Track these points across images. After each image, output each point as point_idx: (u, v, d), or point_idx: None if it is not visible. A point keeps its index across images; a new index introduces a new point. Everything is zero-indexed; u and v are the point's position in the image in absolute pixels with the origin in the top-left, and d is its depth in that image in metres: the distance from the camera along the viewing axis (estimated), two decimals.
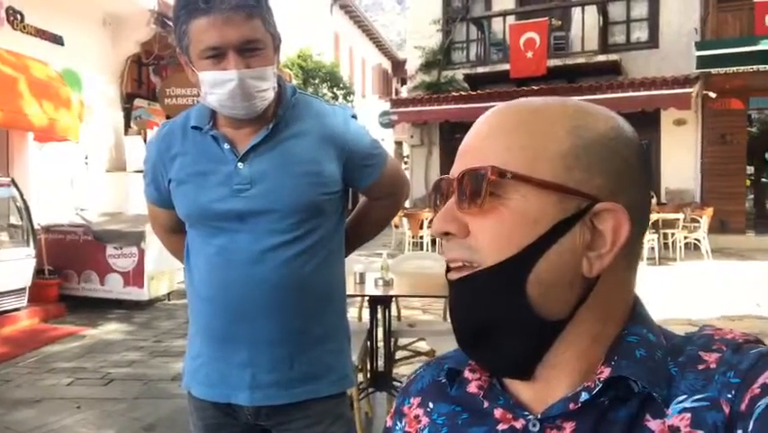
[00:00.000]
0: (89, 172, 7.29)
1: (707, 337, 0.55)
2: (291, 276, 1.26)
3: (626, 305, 0.57)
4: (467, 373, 0.62)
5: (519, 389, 0.58)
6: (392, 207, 1.53)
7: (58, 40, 6.92)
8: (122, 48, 7.90)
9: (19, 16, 6.44)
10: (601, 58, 11.59)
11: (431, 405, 0.64)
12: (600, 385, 0.51)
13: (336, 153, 1.31)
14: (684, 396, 0.50)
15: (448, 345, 2.90)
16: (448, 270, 0.58)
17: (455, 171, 0.57)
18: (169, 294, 6.62)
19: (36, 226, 5.76)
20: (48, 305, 5.77)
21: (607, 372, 0.52)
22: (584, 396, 0.52)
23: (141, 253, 6.11)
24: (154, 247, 6.25)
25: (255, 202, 1.25)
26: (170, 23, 8.07)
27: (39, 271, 5.72)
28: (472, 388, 0.61)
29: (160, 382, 3.99)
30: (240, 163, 1.26)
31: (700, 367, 0.51)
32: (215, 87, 1.20)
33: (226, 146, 1.27)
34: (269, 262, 1.25)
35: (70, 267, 6.19)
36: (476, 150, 0.56)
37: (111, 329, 5.46)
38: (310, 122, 1.31)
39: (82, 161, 7.21)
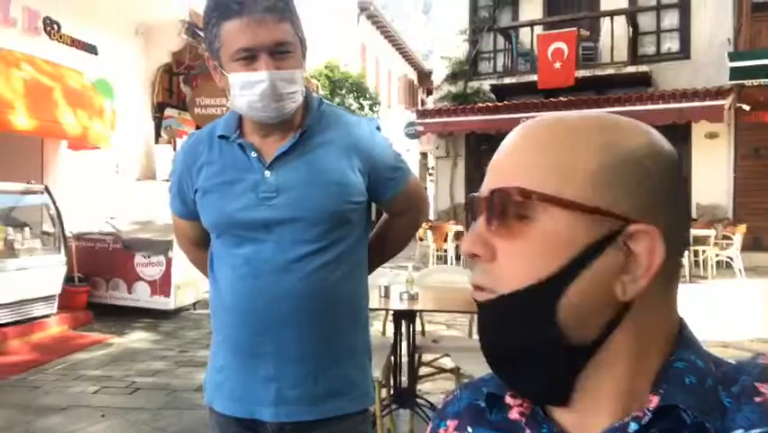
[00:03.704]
0: (120, 180, 7.41)
1: (762, 368, 0.52)
2: (317, 287, 1.26)
3: (669, 328, 0.54)
4: (508, 399, 0.60)
5: (562, 416, 0.55)
6: (412, 224, 1.53)
7: (92, 49, 7.07)
8: (153, 57, 8.04)
9: (56, 26, 6.60)
10: (631, 69, 11.41)
11: (469, 429, 0.62)
12: (650, 415, 0.48)
13: (361, 164, 1.31)
14: (741, 429, 0.47)
15: (473, 362, 2.83)
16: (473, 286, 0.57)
17: (485, 189, 0.55)
18: (194, 304, 6.68)
19: (67, 234, 5.87)
20: (77, 312, 5.86)
21: (656, 400, 0.49)
22: (633, 426, 0.49)
23: (169, 261, 6.18)
24: (181, 256, 6.28)
25: (281, 211, 1.25)
26: (201, 34, 8.18)
27: (68, 279, 5.81)
28: (514, 414, 0.59)
29: (184, 393, 4.00)
30: (267, 172, 1.27)
31: (757, 400, 0.49)
32: (246, 88, 1.21)
33: (253, 154, 1.28)
34: (295, 273, 1.25)
35: (99, 275, 6.29)
36: (504, 167, 0.55)
37: (137, 338, 5.52)
38: (336, 132, 1.32)
39: (113, 169, 7.34)
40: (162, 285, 6.21)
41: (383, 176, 1.36)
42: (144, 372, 4.48)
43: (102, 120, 6.48)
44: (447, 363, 3.66)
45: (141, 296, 6.25)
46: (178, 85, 8.64)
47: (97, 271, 6.27)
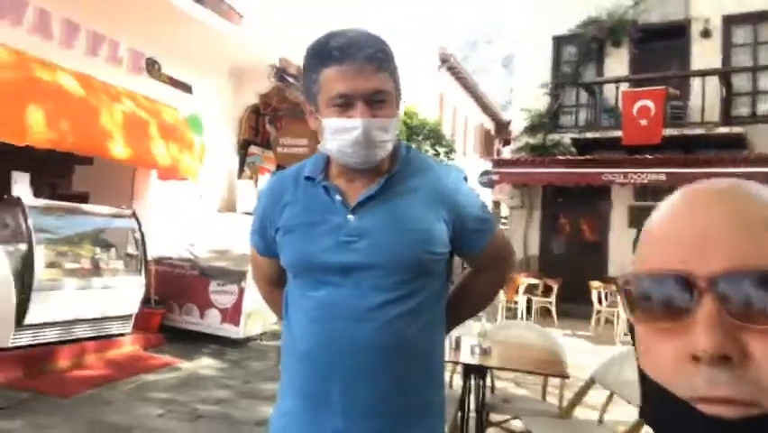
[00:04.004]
0: (202, 211, 7.71)
1: None
2: (394, 338, 1.21)
3: None
4: None
5: None
6: (498, 281, 1.47)
7: (187, 88, 7.51)
8: (242, 98, 8.44)
9: (157, 66, 7.07)
10: (723, 130, 10.91)
11: None
12: None
13: (446, 214, 1.28)
14: None
15: (546, 428, 2.65)
16: (709, 399, 0.44)
17: (662, 263, 0.47)
18: (261, 334, 6.76)
19: (149, 258, 6.12)
20: (150, 333, 6.05)
21: None
22: None
23: (241, 291, 6.31)
24: (254, 287, 6.42)
25: (361, 255, 1.22)
26: (290, 79, 8.62)
27: (145, 300, 6.04)
28: None
29: (245, 426, 4.00)
30: (350, 215, 1.25)
31: None
32: (338, 133, 1.22)
33: (338, 197, 1.27)
34: (371, 321, 1.21)
35: (174, 299, 6.49)
36: (724, 242, 0.45)
37: (204, 364, 5.62)
38: (423, 179, 1.30)
39: (197, 199, 7.66)
40: (233, 313, 6.33)
41: (469, 227, 1.32)
42: (208, 399, 4.53)
43: (191, 153, 6.82)
44: (518, 425, 3.49)
45: (212, 322, 6.39)
46: (264, 125, 9.00)
47: (173, 295, 6.48)
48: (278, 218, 1.32)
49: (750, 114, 11.64)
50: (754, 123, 11.35)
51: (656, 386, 0.48)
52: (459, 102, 20.82)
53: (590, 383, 3.04)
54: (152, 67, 7.03)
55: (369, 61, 1.19)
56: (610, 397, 2.95)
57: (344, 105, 1.21)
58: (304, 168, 1.35)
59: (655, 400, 0.49)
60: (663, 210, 0.51)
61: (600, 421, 3.07)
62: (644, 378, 0.51)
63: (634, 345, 0.53)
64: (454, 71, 19.54)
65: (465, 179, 1.37)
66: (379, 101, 1.21)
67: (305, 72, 1.27)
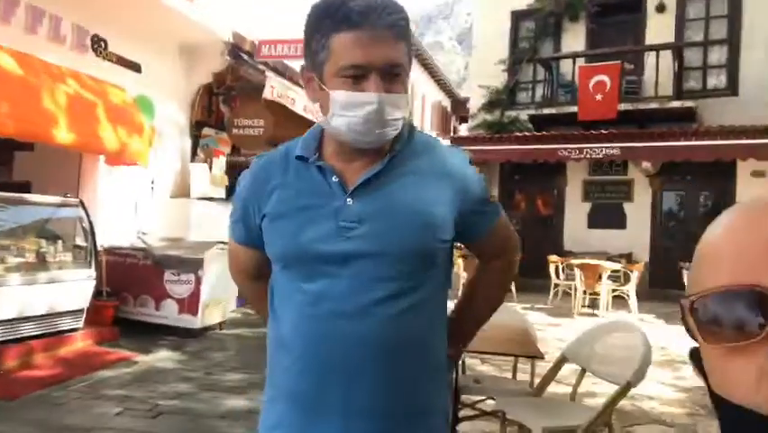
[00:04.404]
0: (154, 197, 7.41)
1: None
2: (398, 334, 1.10)
3: None
4: None
5: None
6: (508, 269, 1.36)
7: (135, 67, 7.13)
8: (195, 77, 8.09)
9: (103, 44, 6.68)
10: (675, 104, 11.14)
11: None
12: None
13: (452, 196, 1.18)
14: None
15: (520, 408, 2.57)
16: None
17: (731, 281, 0.46)
18: (221, 323, 6.58)
19: (98, 248, 5.84)
20: (103, 327, 5.79)
21: None
22: None
23: (198, 280, 6.10)
24: (211, 275, 6.24)
25: (362, 243, 1.10)
26: (243, 56, 8.31)
27: (97, 292, 5.76)
28: None
29: (208, 420, 3.85)
30: (349, 199, 1.13)
31: None
32: (349, 108, 1.09)
33: (334, 179, 1.15)
34: (373, 317, 1.09)
35: (127, 290, 6.23)
36: None
37: (162, 357, 5.41)
38: (427, 160, 1.20)
39: (148, 185, 7.34)
40: (190, 303, 6.12)
41: (475, 210, 1.22)
42: (168, 394, 4.35)
43: (141, 137, 6.50)
44: (490, 403, 3.43)
45: (169, 313, 6.16)
46: (218, 105, 8.67)
47: (126, 286, 6.21)
48: (265, 204, 1.18)
49: (701, 88, 11.90)
50: (704, 97, 11.62)
51: (739, 410, 0.45)
52: (415, 79, 20.67)
53: (562, 361, 3.01)
54: (98, 45, 6.64)
55: (390, 29, 1.06)
56: (582, 373, 2.93)
57: (357, 76, 1.07)
58: (294, 147, 1.22)
59: (740, 425, 0.46)
60: (723, 228, 0.50)
61: (572, 398, 3.05)
62: (720, 403, 0.48)
63: (698, 371, 0.51)
64: (423, 59, 19.35)
65: (471, 162, 1.27)
66: (394, 74, 1.09)
67: (310, 34, 1.12)
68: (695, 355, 0.52)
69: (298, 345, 1.13)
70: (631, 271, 9.47)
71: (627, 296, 9.33)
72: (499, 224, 1.29)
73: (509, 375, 3.77)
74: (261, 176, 1.22)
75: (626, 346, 2.72)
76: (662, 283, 10.95)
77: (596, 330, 3.01)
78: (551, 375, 3.03)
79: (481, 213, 1.24)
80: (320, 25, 1.09)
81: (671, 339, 6.66)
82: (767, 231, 0.46)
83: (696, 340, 0.50)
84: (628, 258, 10.99)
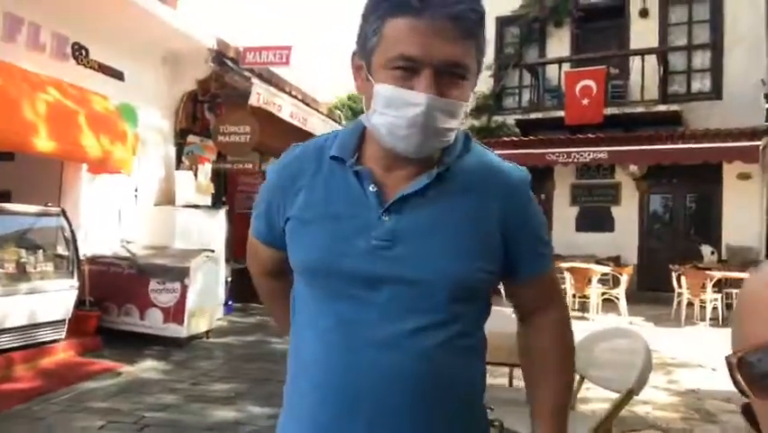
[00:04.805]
0: (138, 205, 7.29)
1: None
2: (432, 371, 0.95)
3: None
4: None
5: None
6: (564, 321, 1.12)
7: (118, 75, 7.03)
8: (179, 84, 8.00)
9: (84, 52, 6.57)
10: (661, 108, 11.22)
11: None
12: None
13: (503, 223, 1.01)
14: None
15: (518, 418, 2.46)
16: None
17: None
18: (207, 332, 6.47)
19: (81, 257, 5.72)
20: (86, 338, 5.66)
21: None
22: None
23: (184, 288, 5.99)
24: (197, 283, 6.14)
25: (395, 267, 0.95)
26: (228, 62, 8.23)
27: (80, 302, 5.64)
28: None
29: (195, 432, 3.75)
30: (385, 214, 0.97)
31: None
32: (392, 107, 0.93)
33: (372, 188, 0.99)
34: (404, 349, 0.94)
35: (111, 300, 6.10)
36: None
37: (147, 367, 5.29)
38: (482, 178, 1.02)
39: (131, 193, 7.22)
40: (176, 312, 6.01)
41: (527, 247, 1.05)
42: (154, 405, 4.23)
43: (124, 145, 6.39)
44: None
45: (154, 323, 6.04)
46: (203, 112, 8.58)
47: (110, 295, 6.08)
48: (291, 205, 1.05)
49: (685, 92, 12.00)
50: (689, 100, 11.71)
51: None
52: None
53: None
54: (79, 52, 6.53)
55: (455, 21, 0.90)
56: (581, 381, 2.87)
57: (407, 69, 0.91)
58: (329, 142, 1.06)
59: None
60: (764, 283, 0.50)
61: (572, 407, 2.99)
62: None
63: (753, 427, 0.51)
64: None
65: (529, 178, 1.08)
66: (453, 75, 0.93)
67: (365, 15, 0.98)
68: (748, 411, 0.51)
69: (318, 375, 0.99)
70: (620, 275, 9.46)
71: (617, 299, 9.32)
72: (552, 272, 1.11)
73: (504, 381, 3.71)
74: (290, 171, 1.07)
75: (627, 353, 2.66)
76: (650, 286, 10.97)
77: (593, 336, 2.93)
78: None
79: (536, 253, 1.06)
80: (376, 6, 0.94)
81: (661, 342, 6.63)
82: None
83: (747, 396, 0.49)
84: (616, 261, 11.01)
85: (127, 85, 7.08)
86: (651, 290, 10.80)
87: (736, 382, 0.49)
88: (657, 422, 4.25)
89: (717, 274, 8.81)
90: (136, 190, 7.30)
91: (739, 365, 0.48)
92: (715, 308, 8.76)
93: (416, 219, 0.97)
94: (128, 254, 6.30)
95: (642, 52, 11.50)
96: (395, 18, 0.91)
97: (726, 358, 0.50)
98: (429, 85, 0.90)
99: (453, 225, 0.98)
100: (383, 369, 0.94)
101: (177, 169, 7.80)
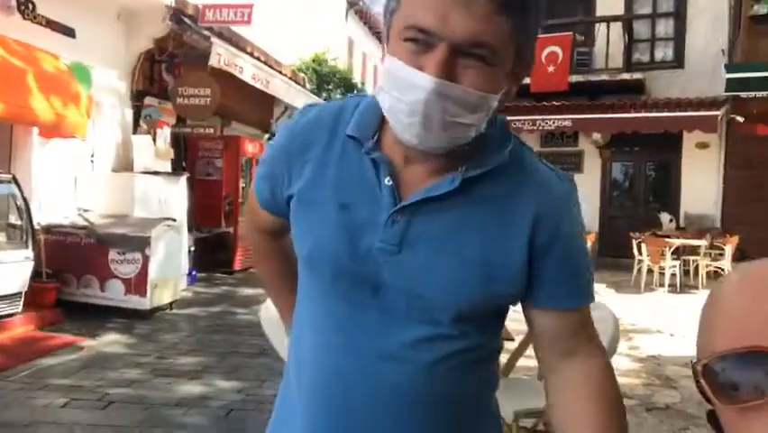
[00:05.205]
0: (94, 171, 6.98)
1: None
2: (433, 386, 0.86)
3: None
4: None
5: None
6: (607, 371, 0.91)
7: (69, 32, 6.62)
8: (135, 43, 7.60)
9: (30, 5, 6.14)
10: (625, 76, 11.32)
11: None
12: None
13: (535, 244, 0.85)
14: None
15: (502, 400, 2.37)
16: None
17: (741, 342, 0.48)
18: (171, 303, 6.31)
19: (36, 227, 5.46)
20: (44, 311, 5.45)
21: None
22: None
23: (146, 259, 5.81)
24: (159, 253, 5.96)
25: (399, 274, 0.84)
26: (187, 20, 7.84)
27: (36, 274, 5.40)
28: None
29: (162, 408, 3.66)
30: (396, 214, 0.85)
31: None
32: (396, 87, 0.78)
33: (387, 181, 0.85)
34: (403, 362, 0.85)
35: (70, 271, 5.88)
36: None
37: (110, 340, 5.14)
38: (515, 187, 0.87)
39: (87, 159, 6.91)
40: (138, 283, 5.83)
41: (562, 274, 0.87)
42: (118, 381, 4.11)
43: (78, 107, 6.05)
44: None
45: (115, 294, 5.86)
46: (160, 73, 8.21)
47: (68, 266, 5.85)
48: (297, 178, 0.92)
49: (649, 60, 12.11)
50: (651, 69, 11.84)
51: None
52: (368, 48, 20.31)
53: (528, 339, 2.96)
54: (25, 6, 6.10)
55: None
56: None
57: (420, 43, 0.76)
58: (347, 113, 0.91)
59: None
60: (732, 292, 0.52)
61: (540, 378, 3.01)
62: None
63: (717, 432, 0.53)
64: (363, 15, 18.94)
65: (575, 190, 0.92)
66: (476, 56, 0.75)
67: None
68: (712, 417, 0.53)
69: (311, 378, 0.91)
70: None
71: None
72: (586, 311, 0.91)
73: None
74: (302, 138, 0.93)
75: (595, 325, 2.68)
76: (611, 253, 11.24)
77: None
78: (517, 355, 2.98)
79: (567, 281, 0.88)
80: None
81: (622, 309, 6.80)
82: None
83: (710, 402, 0.51)
84: None
85: (79, 43, 6.68)
86: (612, 256, 11.07)
87: (701, 389, 0.51)
88: (621, 389, 4.36)
89: (676, 242, 9.07)
90: (92, 156, 6.98)
91: (704, 373, 0.50)
92: (674, 275, 9.04)
93: (430, 227, 0.85)
94: (86, 223, 6.05)
95: (607, 19, 11.51)
96: None
97: (692, 365, 0.52)
98: (440, 65, 0.74)
99: (472, 241, 0.84)
100: (380, 381, 0.85)
101: (134, 133, 7.48)
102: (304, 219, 0.92)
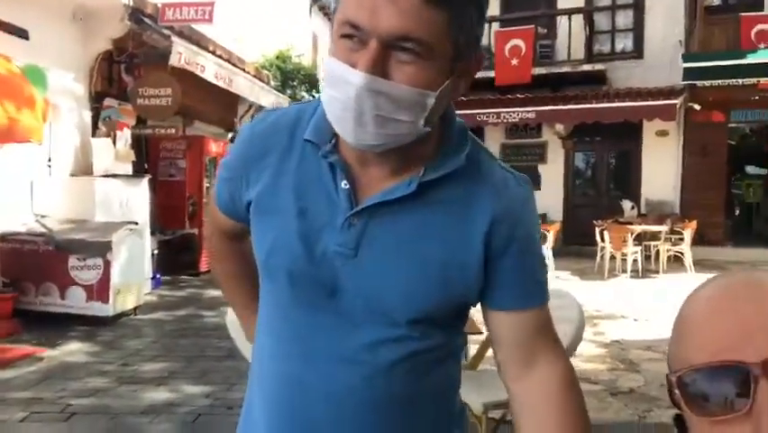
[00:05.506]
0: (52, 176, 6.81)
1: None
2: (394, 390, 0.86)
3: None
4: None
5: None
6: (570, 378, 0.90)
7: (22, 33, 6.42)
8: (92, 44, 7.42)
9: None
10: (587, 67, 11.50)
11: None
12: None
13: (491, 246, 0.86)
14: None
15: (471, 392, 2.37)
16: None
17: (713, 356, 0.49)
18: (135, 309, 6.20)
19: None
20: (1, 321, 5.29)
21: None
22: None
23: (107, 264, 5.69)
24: (121, 258, 5.85)
25: (354, 277, 0.84)
26: (146, 20, 7.69)
27: None
28: None
29: (128, 417, 3.59)
30: (352, 218, 0.84)
31: None
32: (331, 83, 0.78)
33: (344, 185, 0.85)
34: (359, 365, 0.85)
35: (28, 279, 5.71)
36: None
37: (72, 349, 5.02)
38: (475, 190, 0.87)
39: (44, 163, 6.72)
40: (100, 290, 5.71)
41: (520, 275, 0.88)
42: (81, 391, 4.02)
43: (33, 111, 5.88)
44: None
45: (76, 302, 5.72)
46: (120, 74, 8.03)
47: (26, 275, 5.69)
48: (255, 183, 0.91)
49: (609, 51, 12.33)
50: (612, 59, 12.05)
51: None
52: (321, 32, 20.19)
53: None
54: None
55: None
56: None
57: (356, 40, 0.75)
58: (307, 115, 0.91)
59: None
60: (704, 306, 0.54)
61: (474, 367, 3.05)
62: None
63: None
64: (327, 11, 18.80)
65: (532, 193, 0.93)
66: (409, 51, 0.74)
67: None
68: (678, 422, 0.55)
69: (269, 386, 0.92)
70: (548, 231, 9.79)
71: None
72: (544, 311, 0.91)
73: None
74: (262, 142, 0.92)
75: (560, 313, 2.72)
76: (575, 241, 11.44)
77: None
78: (484, 348, 3.01)
79: (526, 281, 0.89)
80: None
81: (587, 295, 6.93)
82: (745, 310, 0.50)
83: (682, 411, 0.53)
84: (543, 218, 11.37)
85: (33, 44, 6.49)
86: (576, 244, 11.27)
87: (674, 399, 0.53)
88: (586, 374, 4.44)
89: (638, 228, 9.28)
90: (49, 160, 6.79)
91: (678, 384, 0.52)
92: (635, 261, 9.25)
93: (387, 230, 0.84)
94: (44, 230, 5.90)
95: (569, 12, 11.67)
96: None
97: (667, 376, 0.54)
98: (370, 61, 0.73)
99: (428, 244, 0.84)
100: (337, 386, 0.85)
101: (93, 136, 7.31)
102: (262, 225, 0.91)
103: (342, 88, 0.75)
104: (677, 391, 0.52)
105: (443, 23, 0.74)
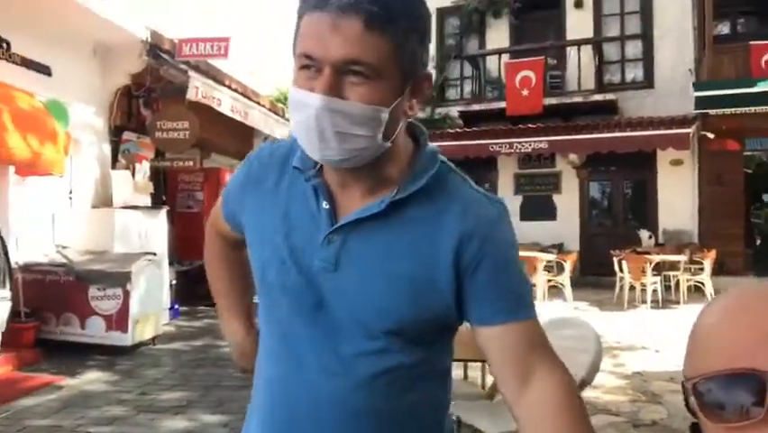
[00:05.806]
0: (73, 208, 6.93)
1: None
2: (374, 403, 0.91)
3: None
4: None
5: None
6: (570, 388, 0.92)
7: (45, 70, 6.63)
8: (111, 79, 7.63)
9: (5, 45, 6.16)
10: (597, 97, 11.57)
11: None
12: None
13: (459, 259, 0.89)
14: None
15: (475, 413, 2.41)
16: None
17: (728, 364, 0.50)
18: (154, 338, 6.22)
19: (13, 265, 5.38)
20: (23, 350, 5.34)
21: None
22: None
23: (126, 294, 5.74)
24: (140, 288, 5.90)
25: (336, 293, 0.91)
26: (163, 55, 7.90)
27: (14, 313, 5.30)
28: None
29: None
30: (332, 234, 0.92)
31: None
32: (295, 110, 0.87)
33: (324, 205, 0.93)
34: (343, 377, 0.91)
35: (49, 309, 5.78)
36: None
37: (91, 378, 5.04)
38: (443, 209, 0.91)
39: (66, 195, 6.86)
40: (119, 320, 5.75)
41: (491, 292, 0.90)
42: (100, 420, 4.03)
43: (55, 145, 6.03)
44: None
45: (96, 331, 5.76)
46: (138, 108, 8.22)
47: (47, 305, 5.76)
48: (251, 205, 1.02)
49: (620, 81, 12.42)
50: (623, 89, 12.13)
51: None
52: None
53: None
54: (0, 46, 6.12)
55: (358, 14, 0.80)
56: None
57: (313, 69, 0.84)
58: (296, 147, 0.98)
59: None
60: (720, 315, 0.55)
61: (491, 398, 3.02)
62: None
63: None
64: None
65: (506, 214, 0.96)
66: (358, 74, 0.82)
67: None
68: (695, 430, 0.56)
69: (261, 397, 0.99)
70: (564, 261, 9.72)
71: (562, 285, 9.57)
72: (533, 324, 0.92)
73: (458, 373, 3.71)
74: (262, 170, 1.03)
75: (578, 343, 2.70)
76: (592, 271, 11.34)
77: (545, 325, 2.98)
78: None
79: (505, 295, 0.91)
80: (301, 3, 0.88)
81: (606, 326, 6.85)
82: (761, 317, 0.51)
83: (698, 419, 0.54)
84: (559, 248, 11.31)
85: (55, 80, 6.69)
86: (593, 275, 11.16)
87: (688, 405, 0.54)
88: (607, 406, 4.37)
89: (656, 258, 9.18)
90: (71, 192, 6.93)
91: (693, 392, 0.53)
92: (655, 291, 9.12)
93: (363, 247, 0.91)
94: (65, 260, 5.98)
95: (578, 43, 11.81)
96: (307, 13, 0.85)
97: (683, 384, 0.55)
98: (326, 84, 0.82)
99: (399, 260, 0.89)
100: (322, 396, 0.91)
101: (113, 168, 7.45)
102: (256, 245, 1.00)
103: (303, 112, 0.84)
104: (693, 399, 0.53)
105: (387, 47, 0.83)
